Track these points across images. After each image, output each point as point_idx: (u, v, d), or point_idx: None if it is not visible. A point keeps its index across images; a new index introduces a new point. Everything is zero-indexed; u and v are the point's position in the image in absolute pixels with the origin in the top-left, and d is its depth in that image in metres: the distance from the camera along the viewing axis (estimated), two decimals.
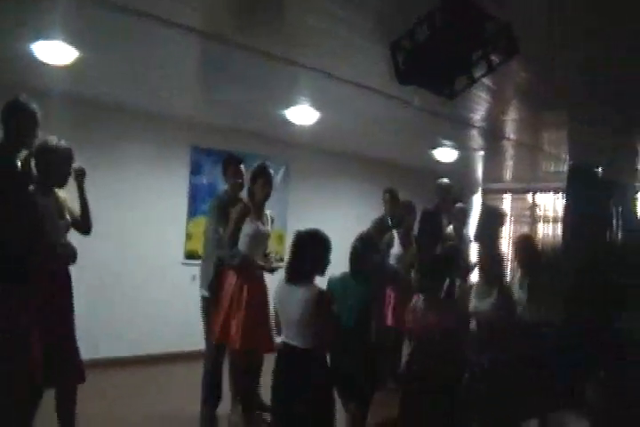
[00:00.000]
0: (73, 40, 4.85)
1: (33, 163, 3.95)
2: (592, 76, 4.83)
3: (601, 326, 6.39)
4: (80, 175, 4.23)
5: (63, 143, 4.03)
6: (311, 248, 3.82)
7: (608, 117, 6.01)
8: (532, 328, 4.88)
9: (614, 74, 4.72)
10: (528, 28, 3.69)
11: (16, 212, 3.68)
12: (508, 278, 5.45)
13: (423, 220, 6.89)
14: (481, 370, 4.43)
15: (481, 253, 5.04)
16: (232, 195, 5.33)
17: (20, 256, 3.60)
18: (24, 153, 3.94)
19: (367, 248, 4.54)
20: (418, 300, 4.41)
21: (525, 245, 5.33)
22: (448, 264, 4.55)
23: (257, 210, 5.07)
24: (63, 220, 4.05)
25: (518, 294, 5.04)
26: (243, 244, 4.97)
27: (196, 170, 8.08)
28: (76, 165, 4.16)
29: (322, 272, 3.86)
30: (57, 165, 4.01)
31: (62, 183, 4.10)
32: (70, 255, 3.99)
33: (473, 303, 4.79)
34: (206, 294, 5.24)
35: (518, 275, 5.20)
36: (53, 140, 4.00)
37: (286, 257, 3.97)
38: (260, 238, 5.07)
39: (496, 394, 4.39)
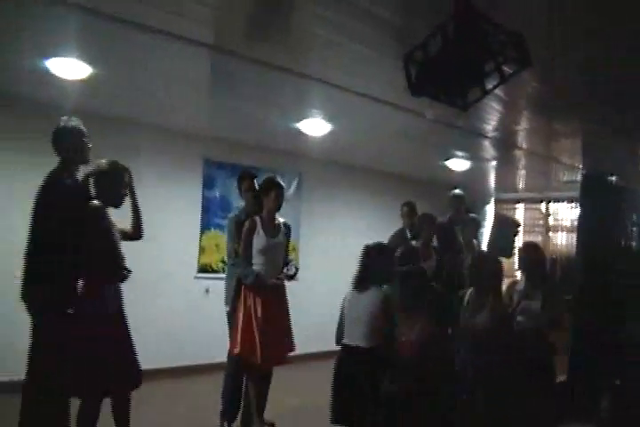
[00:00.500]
0: (86, 56, 4.90)
1: (92, 183, 4.13)
2: (592, 76, 4.82)
3: (611, 329, 6.39)
4: (129, 176, 4.35)
5: (121, 165, 4.21)
6: (379, 259, 4.28)
7: (611, 119, 5.99)
8: (539, 337, 4.73)
9: (618, 74, 4.70)
10: (528, 29, 3.68)
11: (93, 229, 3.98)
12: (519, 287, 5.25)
13: (438, 233, 6.88)
14: (478, 375, 4.29)
15: (474, 264, 4.62)
16: (249, 210, 5.35)
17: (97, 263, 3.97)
18: (80, 173, 4.22)
19: (410, 259, 4.87)
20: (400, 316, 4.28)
21: (531, 252, 5.11)
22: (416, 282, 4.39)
23: (268, 222, 5.09)
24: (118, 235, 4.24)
25: (524, 303, 4.83)
26: (258, 259, 5.00)
27: (208, 183, 8.09)
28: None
29: (388, 280, 4.31)
30: (115, 186, 4.18)
31: (119, 203, 4.25)
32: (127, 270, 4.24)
33: (466, 318, 4.48)
34: (228, 309, 5.35)
35: (522, 284, 5.00)
36: (111, 161, 4.18)
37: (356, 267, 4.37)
38: (273, 250, 5.08)
39: (494, 399, 4.28)
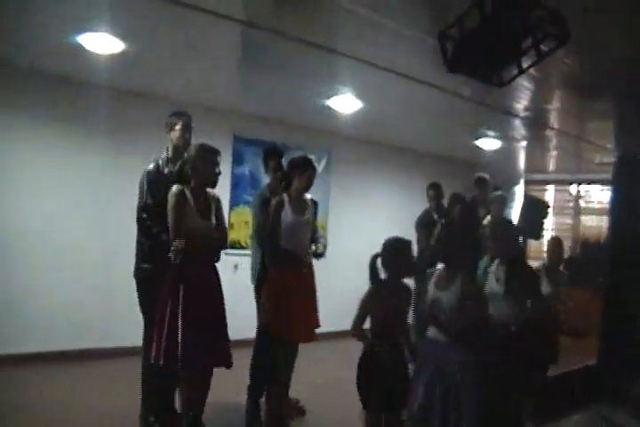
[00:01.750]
0: (117, 31, 4.91)
1: (188, 165, 4.25)
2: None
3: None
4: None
5: (211, 145, 4.31)
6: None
7: None
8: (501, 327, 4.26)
9: None
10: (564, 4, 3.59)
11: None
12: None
13: (462, 212, 6.87)
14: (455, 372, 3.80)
15: (442, 238, 4.28)
16: (273, 188, 5.33)
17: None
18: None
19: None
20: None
21: (501, 228, 4.77)
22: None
23: (296, 199, 5.03)
24: (205, 221, 4.25)
25: (491, 286, 4.43)
26: (285, 236, 4.96)
27: (237, 159, 8.10)
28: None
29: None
30: (207, 166, 4.25)
31: (213, 182, 4.35)
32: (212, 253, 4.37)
33: (431, 294, 3.95)
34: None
35: (495, 264, 4.57)
36: (200, 143, 4.34)
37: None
38: (301, 228, 5.04)
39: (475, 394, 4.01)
